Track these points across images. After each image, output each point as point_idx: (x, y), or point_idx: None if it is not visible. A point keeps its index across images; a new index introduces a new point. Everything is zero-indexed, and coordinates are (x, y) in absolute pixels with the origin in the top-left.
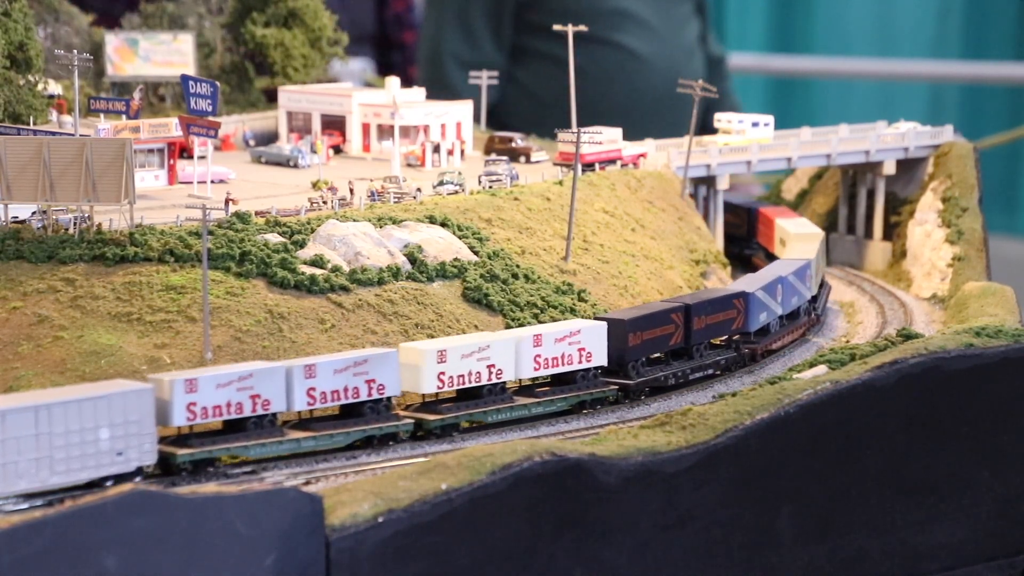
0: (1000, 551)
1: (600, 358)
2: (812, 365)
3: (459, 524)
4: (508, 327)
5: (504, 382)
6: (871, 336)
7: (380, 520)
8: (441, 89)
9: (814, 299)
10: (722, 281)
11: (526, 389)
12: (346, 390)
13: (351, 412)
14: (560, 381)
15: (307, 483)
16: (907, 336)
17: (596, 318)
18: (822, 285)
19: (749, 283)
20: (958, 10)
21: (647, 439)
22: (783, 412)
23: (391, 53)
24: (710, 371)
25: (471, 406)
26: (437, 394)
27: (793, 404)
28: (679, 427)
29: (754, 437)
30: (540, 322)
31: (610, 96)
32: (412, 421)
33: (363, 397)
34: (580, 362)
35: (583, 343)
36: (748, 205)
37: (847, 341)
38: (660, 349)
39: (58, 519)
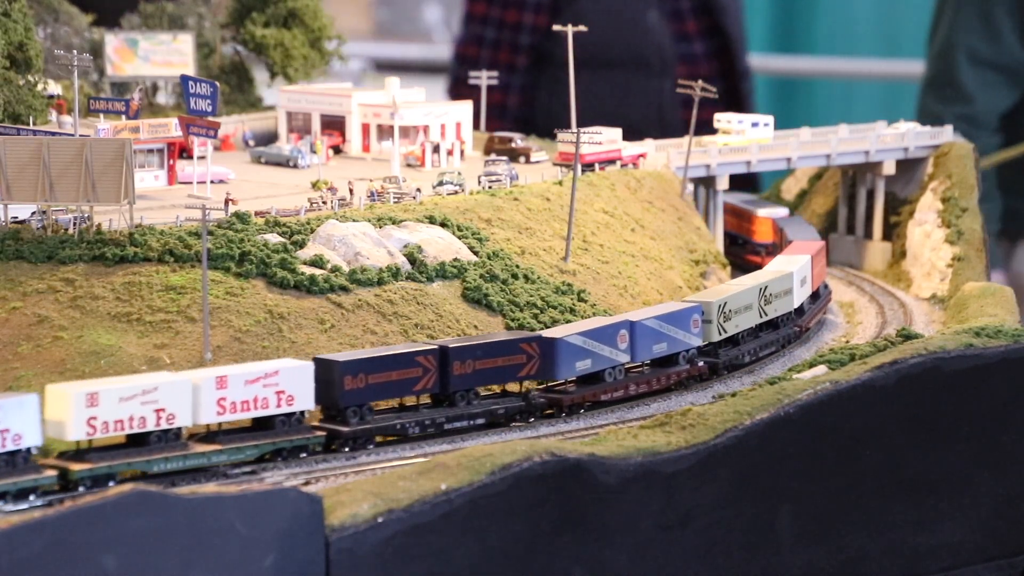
0: (1000, 551)
1: (305, 402)
2: (812, 365)
3: (459, 524)
4: (508, 327)
5: (179, 428)
6: (871, 336)
7: (380, 520)
8: (948, 88)
9: (728, 343)
10: (721, 281)
11: (218, 435)
12: None
13: None
14: (261, 426)
15: (307, 483)
16: (907, 336)
17: (314, 358)
18: (776, 325)
19: (567, 328)
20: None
21: (647, 439)
22: (783, 412)
23: None
24: (480, 420)
25: (131, 454)
26: (91, 441)
27: (793, 404)
28: (679, 427)
29: (754, 437)
30: (539, 322)
31: None
32: (55, 472)
33: None
34: (279, 406)
35: (282, 385)
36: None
37: (847, 341)
38: (401, 394)
39: (57, 519)
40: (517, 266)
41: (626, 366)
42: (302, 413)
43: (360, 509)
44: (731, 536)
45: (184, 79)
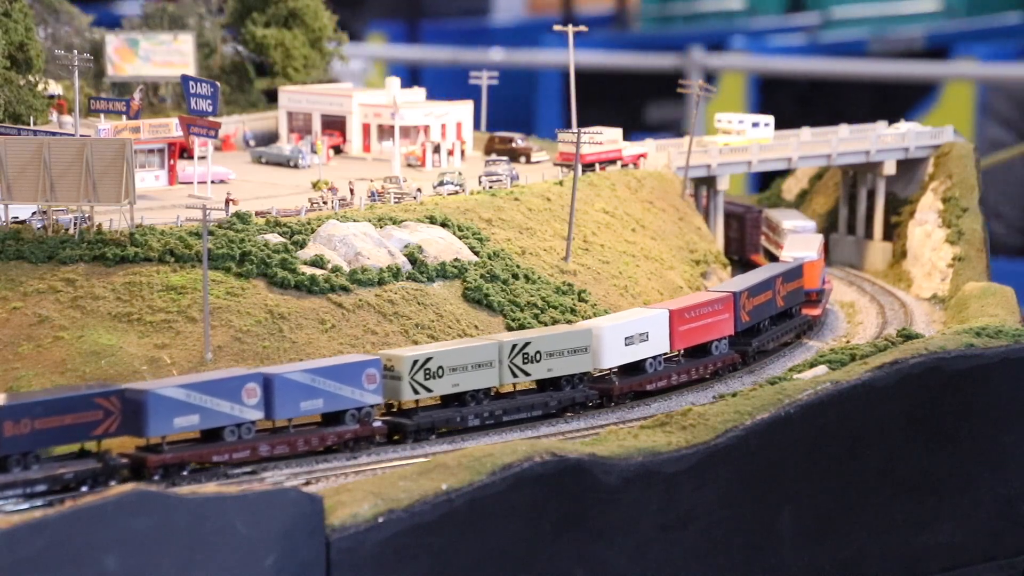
0: (1000, 551)
1: None
2: (812, 365)
3: (459, 524)
4: (508, 328)
5: None
6: (871, 336)
7: (380, 520)
8: None
9: (454, 401)
10: (721, 281)
11: None
12: None
13: None
14: None
15: (307, 483)
16: (907, 336)
17: None
18: (558, 385)
19: (170, 380)
20: None
21: (647, 439)
22: (783, 412)
23: None
24: (40, 487)
25: None
26: None
27: (793, 404)
28: (679, 427)
29: (754, 437)
30: (540, 323)
31: None
32: None
33: None
34: None
35: None
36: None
37: (847, 341)
38: None
39: (58, 519)
40: (518, 266)
41: (272, 424)
42: None
43: (360, 509)
44: (731, 536)
45: (184, 79)
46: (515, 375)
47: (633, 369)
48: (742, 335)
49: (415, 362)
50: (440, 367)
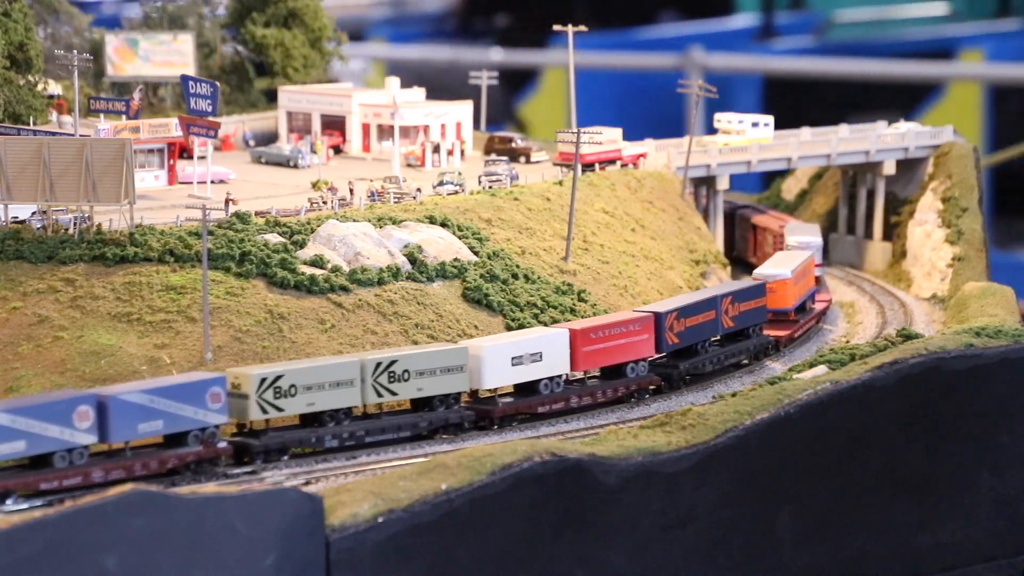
0: (1000, 551)
1: None
2: (812, 365)
3: (459, 524)
4: (508, 328)
5: None
6: (871, 336)
7: (380, 520)
8: None
9: (312, 421)
10: (721, 281)
11: None
12: None
13: None
14: None
15: (307, 483)
16: (907, 336)
17: None
18: (431, 405)
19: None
20: None
21: (647, 439)
22: (783, 412)
23: None
24: None
25: None
26: None
27: (793, 404)
28: (679, 427)
29: (754, 437)
30: (540, 322)
31: None
32: None
33: None
34: None
35: None
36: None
37: (847, 341)
38: None
39: (58, 519)
40: (517, 266)
41: (108, 447)
42: None
43: (360, 509)
44: (732, 536)
45: (184, 79)
46: (380, 394)
47: (528, 390)
48: (671, 356)
49: (263, 380)
50: (293, 386)
